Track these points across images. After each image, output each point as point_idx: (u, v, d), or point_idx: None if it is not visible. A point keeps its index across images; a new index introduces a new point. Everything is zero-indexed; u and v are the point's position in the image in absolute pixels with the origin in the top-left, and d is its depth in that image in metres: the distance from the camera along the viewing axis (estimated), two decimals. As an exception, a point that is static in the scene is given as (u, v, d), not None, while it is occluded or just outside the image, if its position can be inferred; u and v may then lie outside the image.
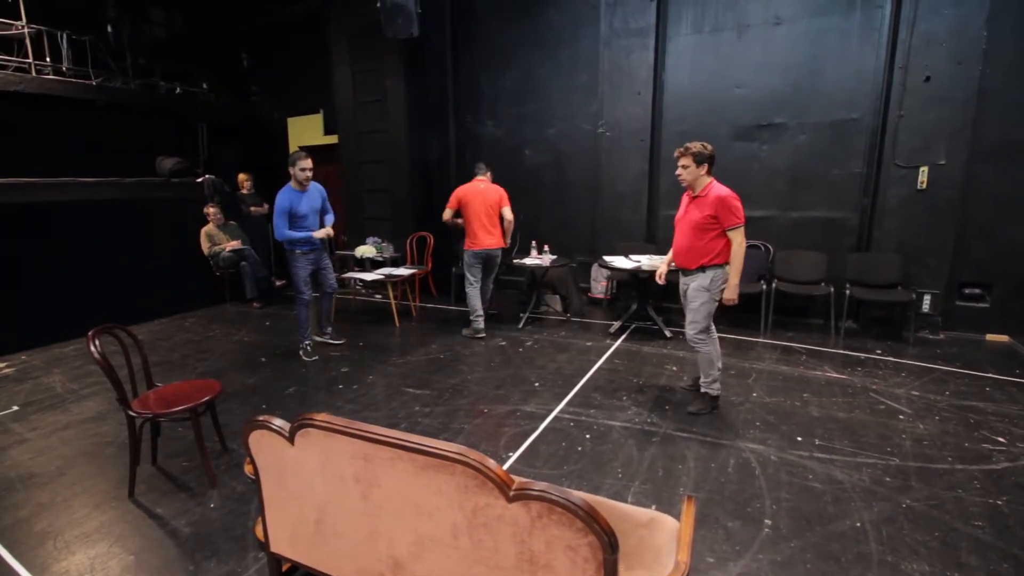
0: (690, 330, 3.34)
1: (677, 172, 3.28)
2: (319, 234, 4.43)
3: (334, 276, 4.78)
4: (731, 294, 3.22)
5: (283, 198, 4.28)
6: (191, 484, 2.73)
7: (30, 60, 6.08)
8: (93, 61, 6.56)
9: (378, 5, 5.90)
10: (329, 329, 4.98)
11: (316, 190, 4.52)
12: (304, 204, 4.37)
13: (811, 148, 5.22)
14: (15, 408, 3.67)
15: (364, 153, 7.25)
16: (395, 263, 6.67)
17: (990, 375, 4.00)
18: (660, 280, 3.64)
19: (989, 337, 4.90)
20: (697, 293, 3.28)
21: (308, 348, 4.61)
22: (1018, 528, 2.27)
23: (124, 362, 2.68)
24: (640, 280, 5.24)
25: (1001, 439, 3.03)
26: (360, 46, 6.89)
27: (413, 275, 6.03)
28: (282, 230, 4.28)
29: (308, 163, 4.35)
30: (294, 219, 4.32)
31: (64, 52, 6.37)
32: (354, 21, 6.81)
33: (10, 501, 2.60)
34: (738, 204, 3.14)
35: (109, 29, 6.70)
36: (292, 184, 4.36)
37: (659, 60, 5.70)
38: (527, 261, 5.48)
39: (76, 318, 5.00)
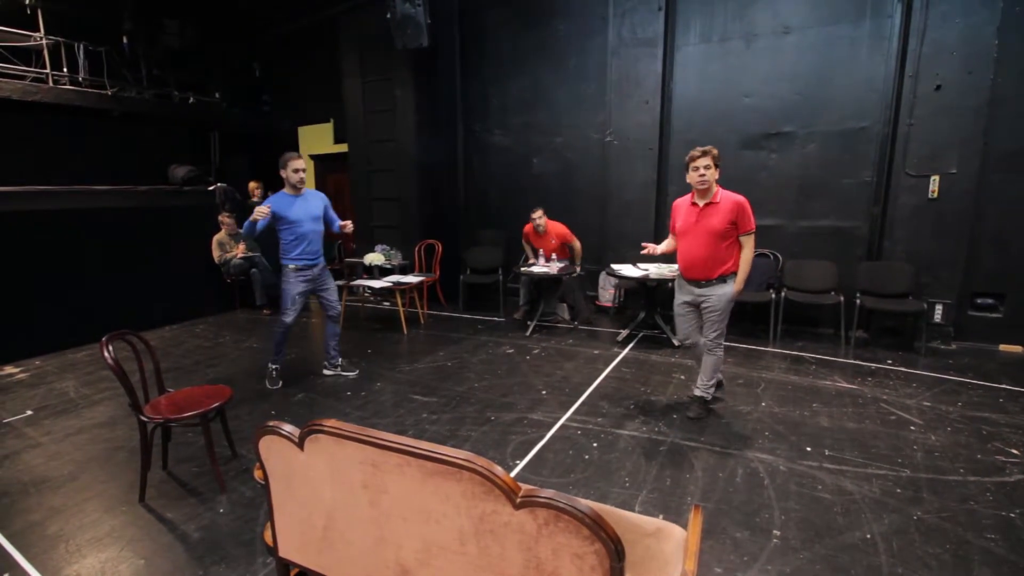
0: (713, 333, 3.30)
1: (701, 174, 3.12)
2: (254, 217, 3.73)
3: (337, 299, 4.27)
4: (738, 286, 3.24)
5: (274, 199, 3.90)
6: (201, 489, 2.75)
7: (48, 71, 6.22)
8: (109, 71, 6.70)
9: (388, 16, 5.99)
10: (340, 360, 4.39)
11: (316, 196, 4.07)
12: (297, 209, 3.90)
13: (820, 157, 5.21)
14: (28, 413, 3.72)
15: (373, 161, 7.32)
16: (403, 271, 6.71)
17: (1003, 386, 3.94)
18: (654, 251, 3.48)
19: (1002, 347, 4.83)
20: (721, 302, 3.24)
21: (274, 373, 4.12)
22: (1033, 542, 2.23)
23: (136, 368, 2.71)
24: (648, 288, 5.24)
25: (1015, 451, 2.98)
26: (370, 56, 6.98)
27: (421, 283, 6.06)
28: (248, 223, 3.79)
29: (300, 163, 3.93)
30: (282, 224, 3.88)
31: (80, 63, 6.52)
32: (365, 32, 6.91)
33: (23, 505, 2.64)
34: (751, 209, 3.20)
35: (124, 40, 6.85)
36: (285, 189, 3.95)
37: (667, 69, 5.72)
38: (534, 269, 5.49)
39: (89, 324, 5.07)
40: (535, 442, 3.16)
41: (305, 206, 3.97)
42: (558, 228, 5.86)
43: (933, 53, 4.62)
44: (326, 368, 4.39)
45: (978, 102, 4.54)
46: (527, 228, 5.98)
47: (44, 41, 6.21)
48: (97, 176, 6.31)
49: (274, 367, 4.14)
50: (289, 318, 4.00)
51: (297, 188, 3.95)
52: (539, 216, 5.72)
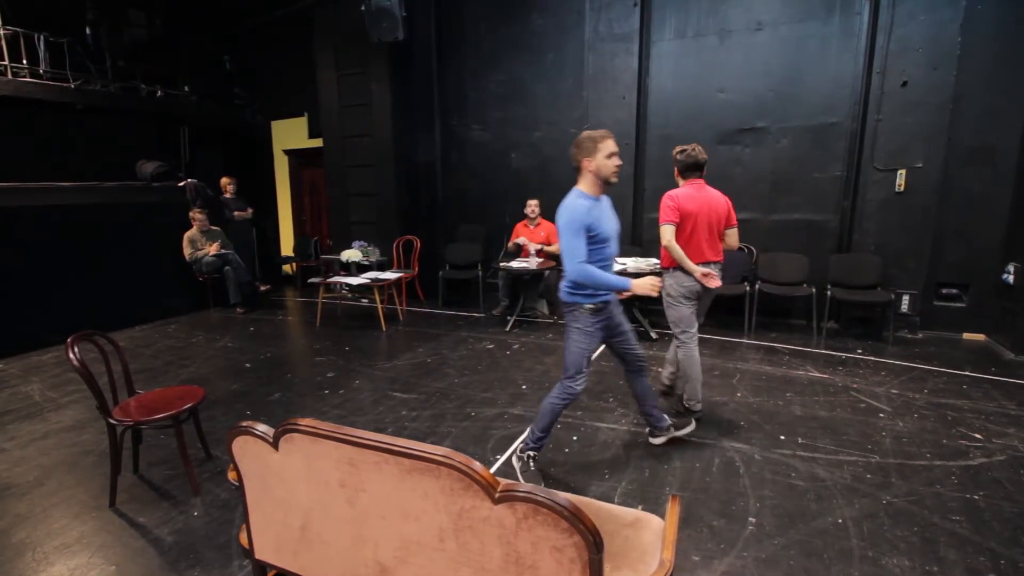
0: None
1: None
2: (642, 287, 2.45)
3: (638, 342, 2.79)
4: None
5: (580, 207, 2.42)
6: (174, 492, 2.68)
7: (6, 62, 5.97)
8: (71, 63, 6.45)
9: (363, 8, 5.90)
10: (666, 419, 3.00)
11: (607, 201, 2.63)
12: (605, 220, 2.52)
13: (792, 152, 5.31)
14: (-9, 417, 3.59)
15: (350, 157, 7.21)
16: (381, 267, 6.65)
17: (967, 373, 4.09)
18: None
19: (966, 336, 5.01)
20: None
21: (530, 460, 2.67)
22: (994, 522, 2.32)
23: (104, 369, 2.63)
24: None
25: (978, 435, 3.10)
26: (345, 49, 6.86)
27: (400, 279, 6.01)
28: (581, 258, 2.37)
29: (615, 145, 2.46)
30: (590, 244, 2.43)
31: (41, 54, 6.26)
32: (339, 24, 6.79)
33: (-14, 513, 2.54)
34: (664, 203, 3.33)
35: (88, 31, 6.60)
36: (583, 187, 2.52)
37: (643, 65, 5.76)
38: (514, 264, 5.49)
39: (55, 325, 4.90)
40: (516, 437, 3.17)
41: (609, 216, 2.59)
42: (549, 225, 5.98)
43: (900, 50, 4.74)
44: (656, 436, 3.02)
45: (942, 98, 4.68)
46: (519, 224, 6.15)
47: (2, 31, 5.95)
48: (61, 172, 6.09)
49: (533, 452, 2.66)
50: (579, 385, 2.58)
51: (603, 187, 2.54)
52: (535, 204, 5.94)
